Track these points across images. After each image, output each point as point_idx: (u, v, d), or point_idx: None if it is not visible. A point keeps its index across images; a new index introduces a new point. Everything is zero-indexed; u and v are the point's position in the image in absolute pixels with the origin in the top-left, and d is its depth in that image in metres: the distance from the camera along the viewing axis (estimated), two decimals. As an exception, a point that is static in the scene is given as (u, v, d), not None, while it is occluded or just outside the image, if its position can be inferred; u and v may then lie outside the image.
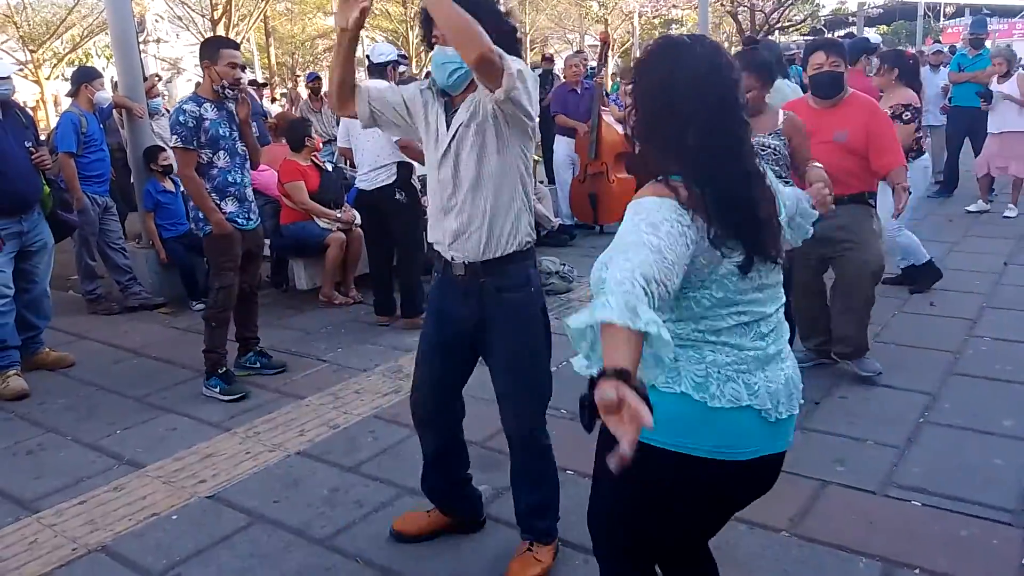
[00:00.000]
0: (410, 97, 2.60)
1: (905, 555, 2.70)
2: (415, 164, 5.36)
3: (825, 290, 4.33)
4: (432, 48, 2.52)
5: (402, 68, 6.16)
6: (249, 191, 4.41)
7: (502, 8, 2.51)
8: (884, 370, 4.20)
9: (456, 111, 2.50)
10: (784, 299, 1.78)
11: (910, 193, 4.01)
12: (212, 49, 4.25)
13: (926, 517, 2.94)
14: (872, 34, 19.07)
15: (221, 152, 4.22)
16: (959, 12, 32.36)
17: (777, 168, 3.67)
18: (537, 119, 2.56)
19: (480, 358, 2.71)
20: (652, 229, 1.50)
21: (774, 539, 2.84)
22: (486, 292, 2.54)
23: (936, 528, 2.86)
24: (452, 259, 2.56)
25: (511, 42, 2.42)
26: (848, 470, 3.27)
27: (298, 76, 31.53)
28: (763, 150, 3.62)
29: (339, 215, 6.08)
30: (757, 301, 1.68)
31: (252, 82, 9.78)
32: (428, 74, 2.75)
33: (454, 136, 2.48)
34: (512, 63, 2.29)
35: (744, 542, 2.83)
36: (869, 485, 3.15)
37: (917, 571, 2.62)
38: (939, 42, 14.66)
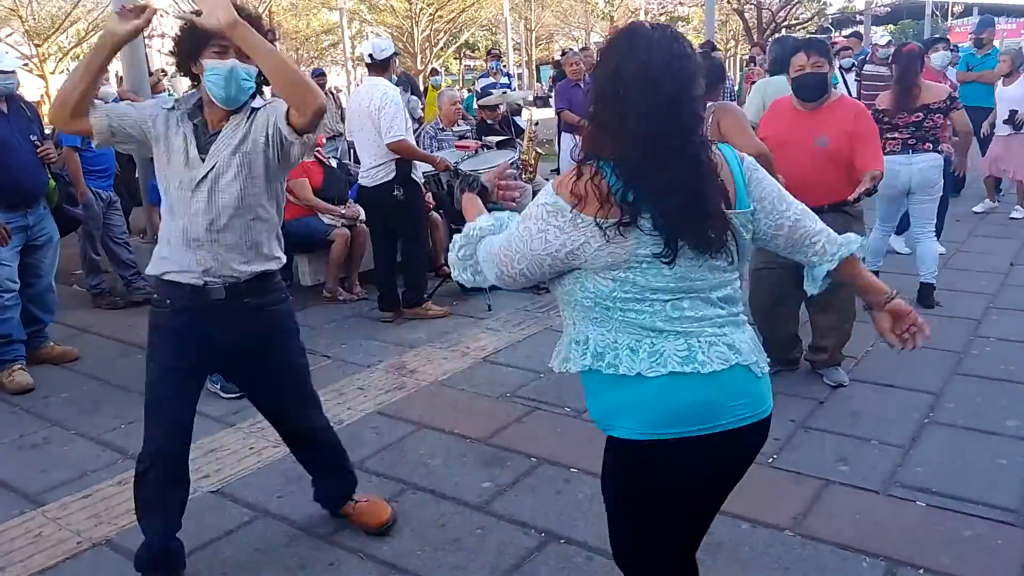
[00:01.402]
0: (149, 116, 2.54)
1: (908, 555, 2.70)
2: (415, 161, 5.38)
3: (798, 299, 4.19)
4: (194, 60, 2.45)
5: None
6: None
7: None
8: (888, 370, 4.21)
9: (216, 136, 2.49)
10: (736, 278, 1.79)
11: (875, 189, 3.90)
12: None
13: (930, 517, 2.94)
14: (880, 32, 19.01)
15: None
16: (967, 11, 32.23)
17: None
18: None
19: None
20: (522, 219, 1.74)
21: (777, 537, 2.84)
22: (249, 310, 2.59)
23: (940, 528, 2.86)
24: (206, 284, 2.53)
25: None
26: (851, 469, 3.27)
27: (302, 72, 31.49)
28: None
29: (343, 211, 6.09)
30: (703, 274, 1.70)
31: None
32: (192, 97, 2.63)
33: (213, 165, 2.47)
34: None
35: (747, 541, 2.83)
36: (872, 485, 3.15)
37: (921, 571, 2.62)
38: (947, 40, 14.58)
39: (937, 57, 7.55)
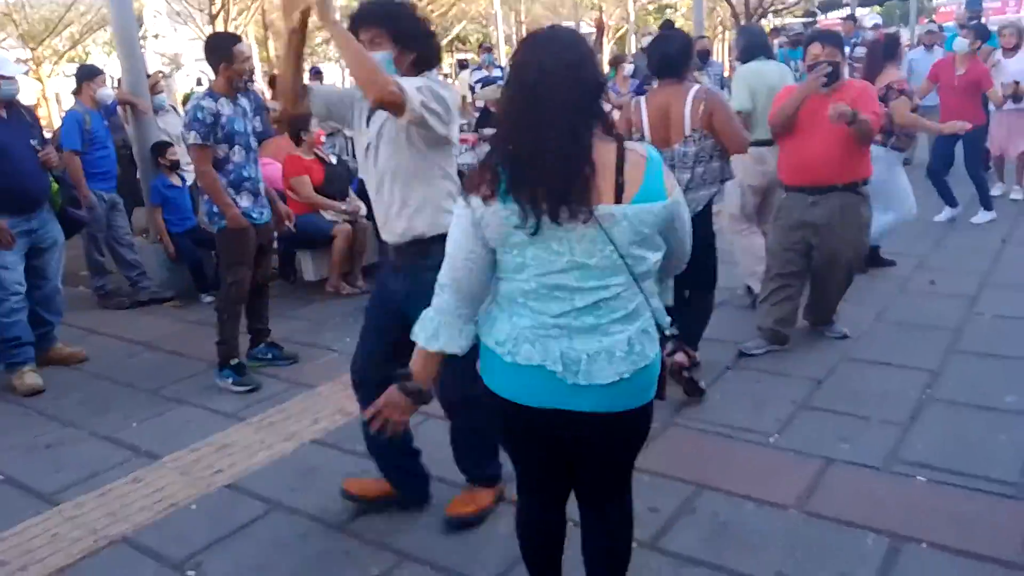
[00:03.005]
0: (356, 99, 2.84)
1: (911, 530, 2.75)
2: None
3: (803, 274, 4.37)
4: None
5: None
6: (262, 186, 4.46)
7: (419, 14, 2.81)
8: (886, 348, 4.29)
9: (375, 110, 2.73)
10: (620, 284, 1.86)
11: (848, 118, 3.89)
12: (224, 50, 4.23)
13: (931, 493, 3.00)
14: (868, 14, 18.96)
15: (236, 147, 4.27)
16: (953, -10, 32.19)
17: (702, 169, 3.75)
18: (458, 125, 2.86)
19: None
20: (449, 237, 1.95)
21: (781, 516, 2.90)
22: (409, 270, 2.79)
23: (941, 503, 2.92)
24: (385, 240, 2.89)
25: (429, 47, 2.77)
26: (852, 447, 3.32)
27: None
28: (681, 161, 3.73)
29: (345, 207, 6.13)
30: (570, 275, 1.83)
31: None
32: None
33: (375, 131, 2.75)
34: (414, 97, 2.51)
35: (752, 520, 2.89)
36: (874, 462, 3.21)
37: (924, 545, 2.68)
38: (933, 21, 14.56)
39: (960, 43, 7.45)
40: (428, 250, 2.70)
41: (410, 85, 2.53)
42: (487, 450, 3.04)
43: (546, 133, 1.76)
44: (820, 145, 4.02)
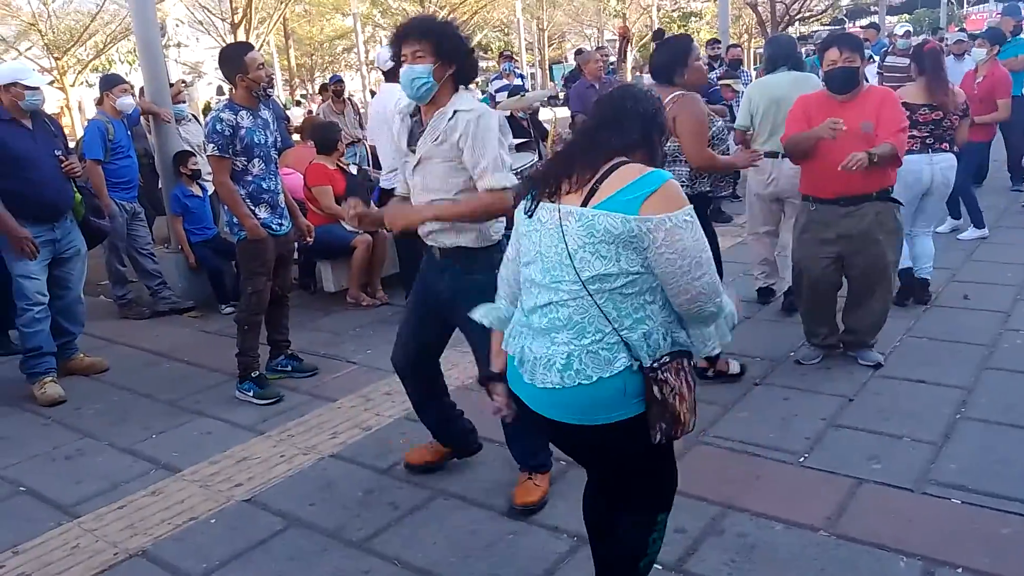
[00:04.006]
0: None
1: (945, 553, 2.67)
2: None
3: (838, 286, 4.32)
4: (400, 65, 2.95)
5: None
6: (281, 197, 4.44)
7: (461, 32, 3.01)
8: (918, 364, 4.19)
9: (424, 129, 2.96)
10: (569, 291, 1.97)
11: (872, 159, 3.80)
12: (237, 60, 4.22)
13: (965, 515, 2.91)
14: (897, 22, 18.83)
15: (256, 159, 4.25)
16: (983, -3, 31.92)
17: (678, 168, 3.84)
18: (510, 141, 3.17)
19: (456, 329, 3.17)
20: None
21: (811, 538, 2.82)
22: (455, 272, 3.02)
23: (976, 526, 2.83)
24: (430, 246, 3.10)
25: (468, 64, 2.96)
26: (884, 467, 3.24)
27: (316, 77, 31.72)
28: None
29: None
30: (535, 267, 2.05)
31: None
32: None
33: (419, 153, 2.96)
34: (509, 175, 2.89)
35: (780, 541, 2.82)
36: (905, 483, 3.13)
37: (959, 570, 2.60)
38: (963, 30, 14.40)
39: (976, 52, 7.36)
40: (475, 258, 3.00)
41: (500, 162, 2.86)
42: (537, 439, 3.13)
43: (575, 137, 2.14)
44: (850, 152, 3.87)
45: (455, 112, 2.89)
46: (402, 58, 2.91)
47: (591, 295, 1.93)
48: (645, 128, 2.09)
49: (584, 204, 1.95)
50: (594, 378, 1.92)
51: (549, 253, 1.99)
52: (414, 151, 3.00)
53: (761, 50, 13.93)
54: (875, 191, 4.00)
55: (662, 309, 1.99)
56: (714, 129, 4.20)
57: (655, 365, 1.92)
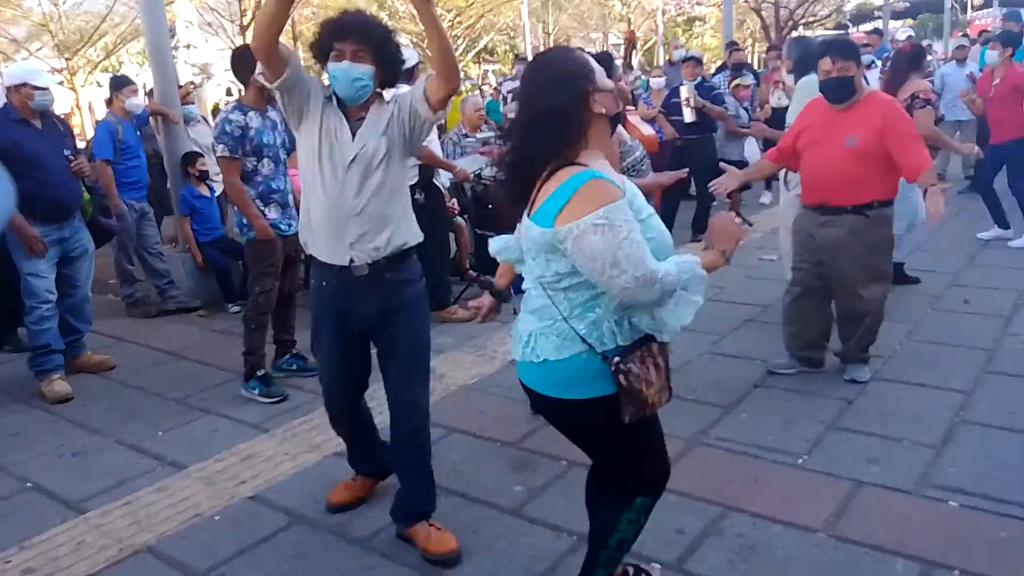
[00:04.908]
0: (315, 91, 2.81)
1: (943, 556, 2.69)
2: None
3: (821, 292, 4.18)
4: (326, 61, 2.74)
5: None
6: (291, 198, 4.48)
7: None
8: (918, 368, 4.21)
9: (360, 121, 2.79)
10: (533, 281, 2.16)
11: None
12: (251, 61, 4.25)
13: (964, 518, 2.93)
14: (900, 27, 18.79)
15: (265, 160, 4.30)
16: (987, 3, 31.85)
17: (627, 163, 3.92)
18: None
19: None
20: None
21: (810, 540, 2.84)
22: (390, 285, 2.84)
23: (975, 529, 2.85)
24: (352, 260, 2.80)
25: (397, 68, 2.86)
26: (883, 470, 3.26)
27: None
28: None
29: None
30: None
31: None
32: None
33: (363, 146, 2.76)
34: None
35: (779, 542, 2.84)
36: (905, 485, 3.15)
37: (956, 572, 2.61)
38: (967, 36, 14.37)
39: (990, 55, 7.34)
40: (409, 260, 2.90)
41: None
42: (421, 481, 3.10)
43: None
44: (832, 164, 3.87)
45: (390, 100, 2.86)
46: (335, 52, 2.71)
47: (545, 289, 2.11)
48: (563, 124, 2.02)
49: (529, 212, 2.08)
50: (542, 358, 2.11)
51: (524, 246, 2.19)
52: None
53: (765, 54, 13.96)
54: (853, 205, 3.88)
55: (613, 299, 2.02)
56: (630, 160, 4.04)
57: (617, 358, 2.02)
